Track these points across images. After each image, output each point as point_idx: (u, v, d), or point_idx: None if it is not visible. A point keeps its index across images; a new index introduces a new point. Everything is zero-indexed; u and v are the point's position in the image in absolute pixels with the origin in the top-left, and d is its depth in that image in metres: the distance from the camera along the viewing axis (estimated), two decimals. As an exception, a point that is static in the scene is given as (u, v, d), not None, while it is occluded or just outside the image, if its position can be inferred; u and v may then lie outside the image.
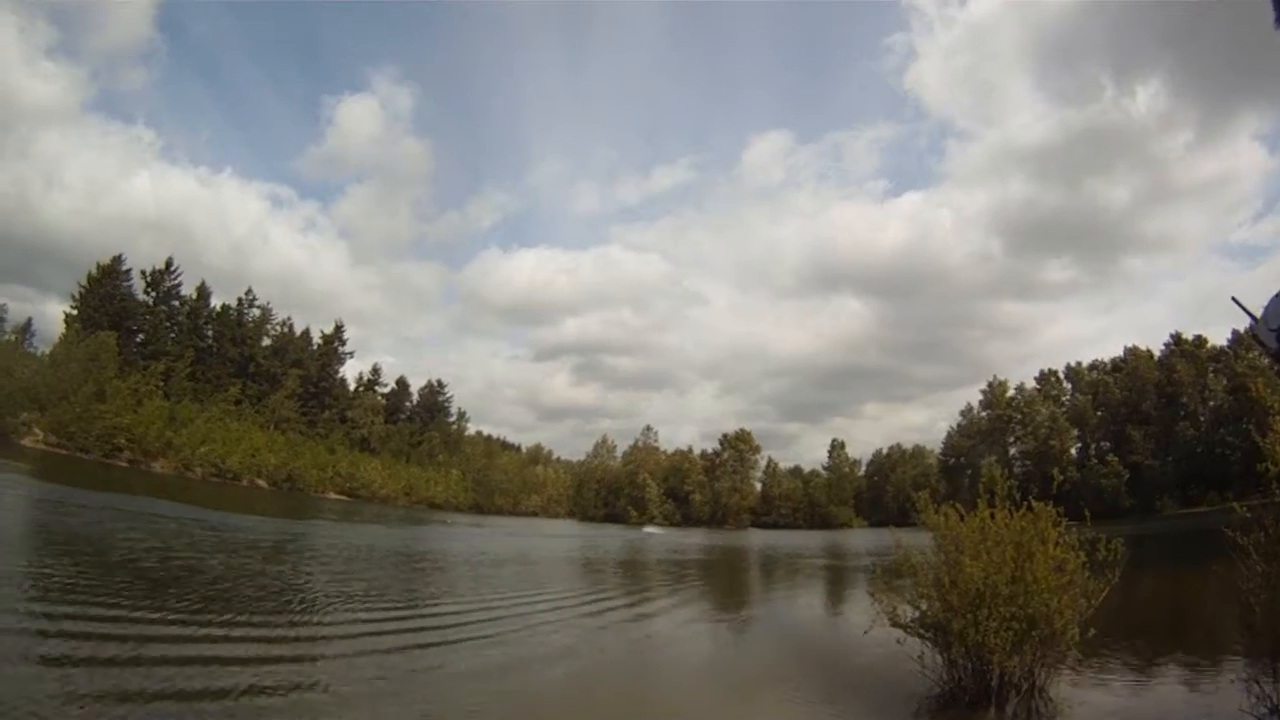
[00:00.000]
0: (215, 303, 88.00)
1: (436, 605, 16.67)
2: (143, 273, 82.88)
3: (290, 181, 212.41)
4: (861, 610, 15.04)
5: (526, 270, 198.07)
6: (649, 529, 70.22)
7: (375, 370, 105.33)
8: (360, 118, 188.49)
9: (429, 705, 8.65)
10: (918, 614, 10.10)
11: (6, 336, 74.56)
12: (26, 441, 65.14)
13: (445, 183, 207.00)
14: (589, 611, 17.45)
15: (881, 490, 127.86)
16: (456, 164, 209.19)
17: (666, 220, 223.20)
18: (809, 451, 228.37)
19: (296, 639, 11.43)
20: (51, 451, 63.95)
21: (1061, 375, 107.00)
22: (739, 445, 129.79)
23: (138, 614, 11.42)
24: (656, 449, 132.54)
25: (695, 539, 70.43)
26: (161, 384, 77.03)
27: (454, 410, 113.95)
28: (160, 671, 8.52)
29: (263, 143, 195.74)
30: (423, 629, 13.44)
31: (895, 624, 10.21)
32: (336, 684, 9.03)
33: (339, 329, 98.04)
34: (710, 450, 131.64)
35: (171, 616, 11.54)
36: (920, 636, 10.04)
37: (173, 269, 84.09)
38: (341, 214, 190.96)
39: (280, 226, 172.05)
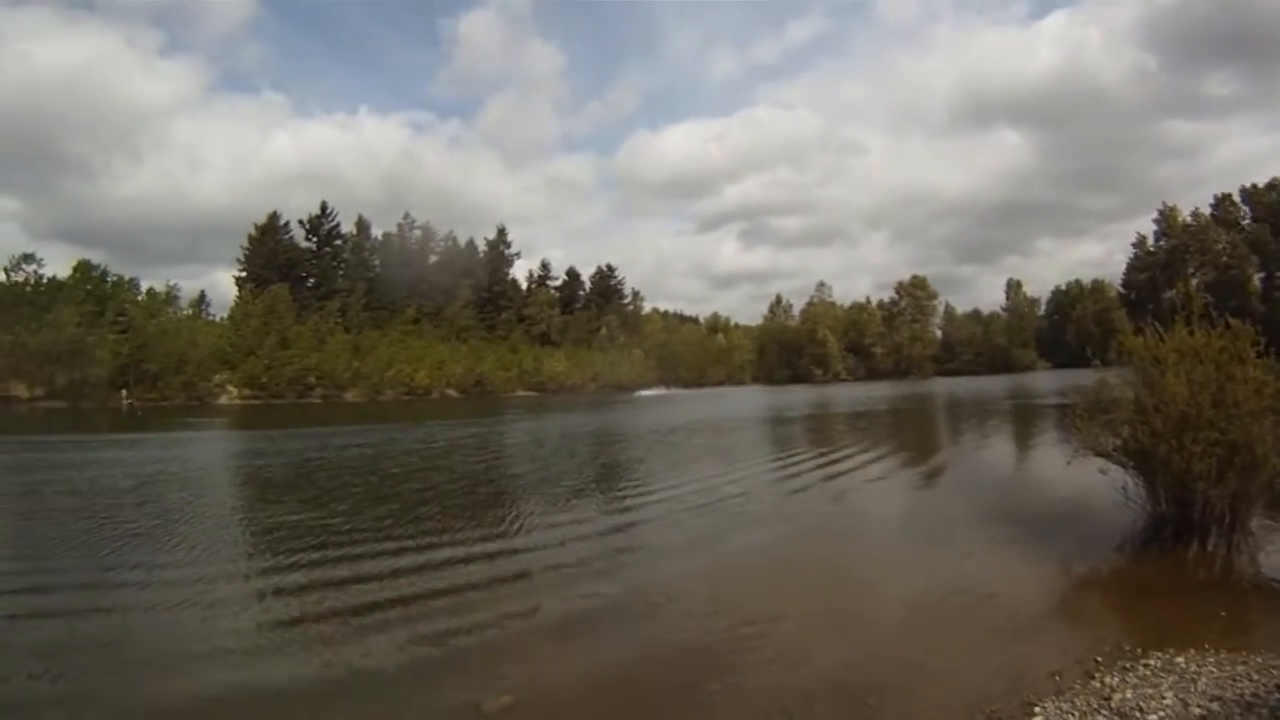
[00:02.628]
0: (377, 233, 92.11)
1: (631, 484, 16.94)
2: (300, 222, 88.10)
3: (427, 107, 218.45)
4: (1056, 449, 16.52)
5: (677, 145, 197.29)
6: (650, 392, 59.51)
7: (544, 266, 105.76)
8: (482, 31, 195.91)
9: (633, 582, 8.95)
10: (1119, 442, 9.90)
11: (184, 311, 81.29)
12: (223, 400, 72.14)
13: (580, 75, 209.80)
14: (778, 476, 17.46)
15: (1062, 329, 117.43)
16: (588, 54, 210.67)
17: (809, 74, 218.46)
18: (986, 294, 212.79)
19: (506, 533, 11.85)
20: (247, 404, 70.02)
21: (1237, 198, 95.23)
22: (915, 292, 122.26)
23: (362, 531, 11.93)
24: (833, 304, 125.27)
25: (881, 391, 66.78)
26: (340, 320, 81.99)
27: (628, 292, 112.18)
28: (393, 583, 8.97)
29: (391, 77, 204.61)
30: (621, 509, 13.86)
31: (1098, 452, 10.15)
32: (547, 569, 9.49)
33: (502, 233, 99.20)
34: (887, 300, 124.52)
35: (395, 530, 11.96)
36: (1123, 465, 9.95)
37: (328, 212, 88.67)
38: (484, 126, 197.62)
39: (427, 150, 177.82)
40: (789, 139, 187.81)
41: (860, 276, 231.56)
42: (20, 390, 67.96)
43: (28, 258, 74.45)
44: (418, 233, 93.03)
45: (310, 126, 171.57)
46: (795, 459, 20.36)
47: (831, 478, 16.69)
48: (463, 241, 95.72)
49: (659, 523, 12.27)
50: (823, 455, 20.79)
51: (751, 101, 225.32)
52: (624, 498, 15.08)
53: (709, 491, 15.09)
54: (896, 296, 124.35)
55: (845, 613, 8.01)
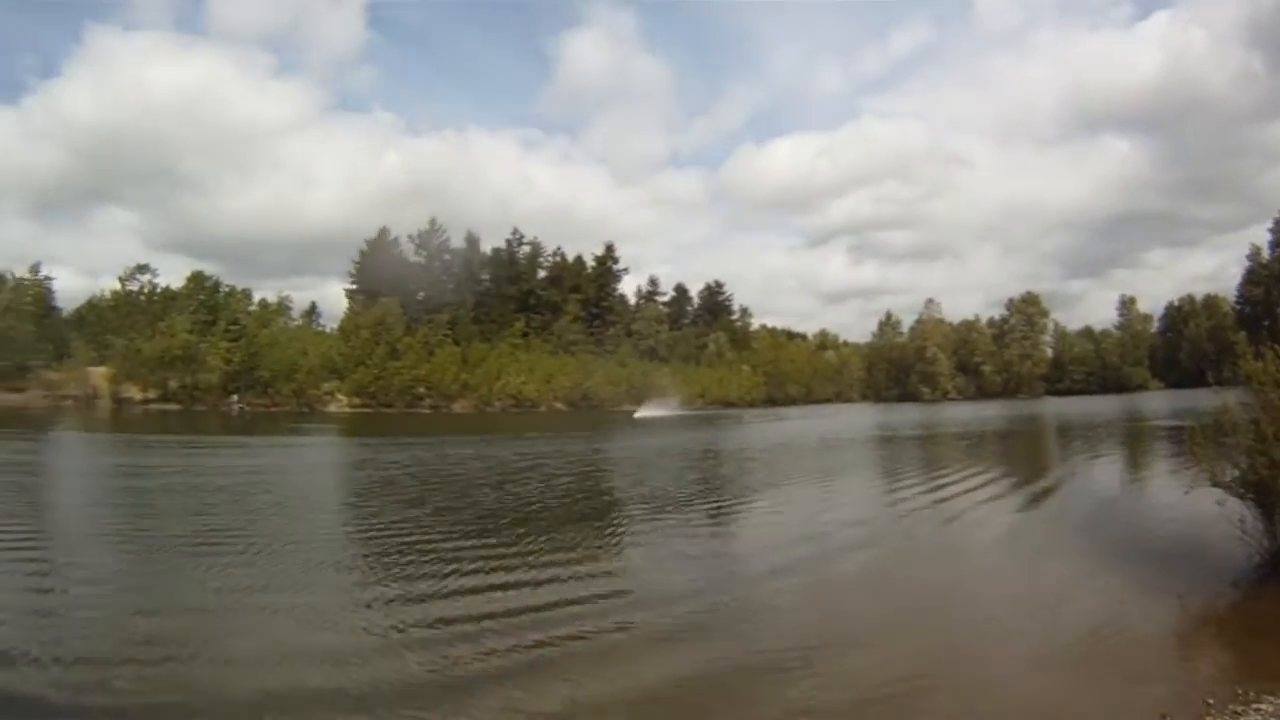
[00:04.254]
0: (486, 248, 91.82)
1: (736, 501, 17.14)
2: (410, 237, 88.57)
3: (535, 124, 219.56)
4: (1172, 476, 17.00)
5: (783, 159, 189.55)
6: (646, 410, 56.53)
7: (653, 281, 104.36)
8: (587, 49, 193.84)
9: (738, 601, 8.98)
10: (1237, 473, 9.62)
11: (295, 321, 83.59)
12: (332, 408, 72.05)
13: (687, 91, 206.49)
14: (885, 496, 17.72)
15: (1176, 347, 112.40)
16: (693, 70, 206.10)
17: (913, 84, 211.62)
18: (1094, 311, 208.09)
19: (608, 546, 12.25)
20: (356, 412, 69.84)
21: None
22: (1027, 309, 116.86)
23: (467, 539, 12.44)
24: (942, 321, 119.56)
25: (991, 411, 65.82)
26: (449, 332, 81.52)
27: (736, 308, 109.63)
28: (493, 591, 9.29)
29: (498, 96, 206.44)
30: (724, 526, 14.35)
31: (1216, 483, 9.80)
32: (649, 593, 9.29)
33: (610, 249, 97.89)
34: (997, 317, 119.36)
35: (498, 539, 12.38)
36: (1240, 497, 9.63)
37: (437, 227, 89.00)
38: (592, 142, 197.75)
39: (535, 166, 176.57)
40: (895, 152, 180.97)
41: (969, 293, 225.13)
42: (134, 393, 69.27)
43: (142, 268, 77.08)
44: (527, 248, 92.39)
45: (420, 144, 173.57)
46: (902, 480, 20.83)
47: (940, 501, 16.40)
48: (571, 257, 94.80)
49: (763, 541, 12.58)
50: (931, 477, 20.87)
51: (857, 114, 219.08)
52: (728, 515, 15.43)
53: (813, 511, 15.53)
54: (1007, 313, 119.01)
55: (948, 643, 7.70)
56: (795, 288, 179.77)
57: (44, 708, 6.09)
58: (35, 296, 73.28)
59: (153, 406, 66.54)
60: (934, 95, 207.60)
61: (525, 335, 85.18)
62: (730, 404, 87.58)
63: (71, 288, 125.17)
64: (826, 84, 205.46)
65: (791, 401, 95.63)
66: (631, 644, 7.54)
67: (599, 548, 12.12)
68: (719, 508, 16.26)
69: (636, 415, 50.77)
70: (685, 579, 9.90)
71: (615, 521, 14.73)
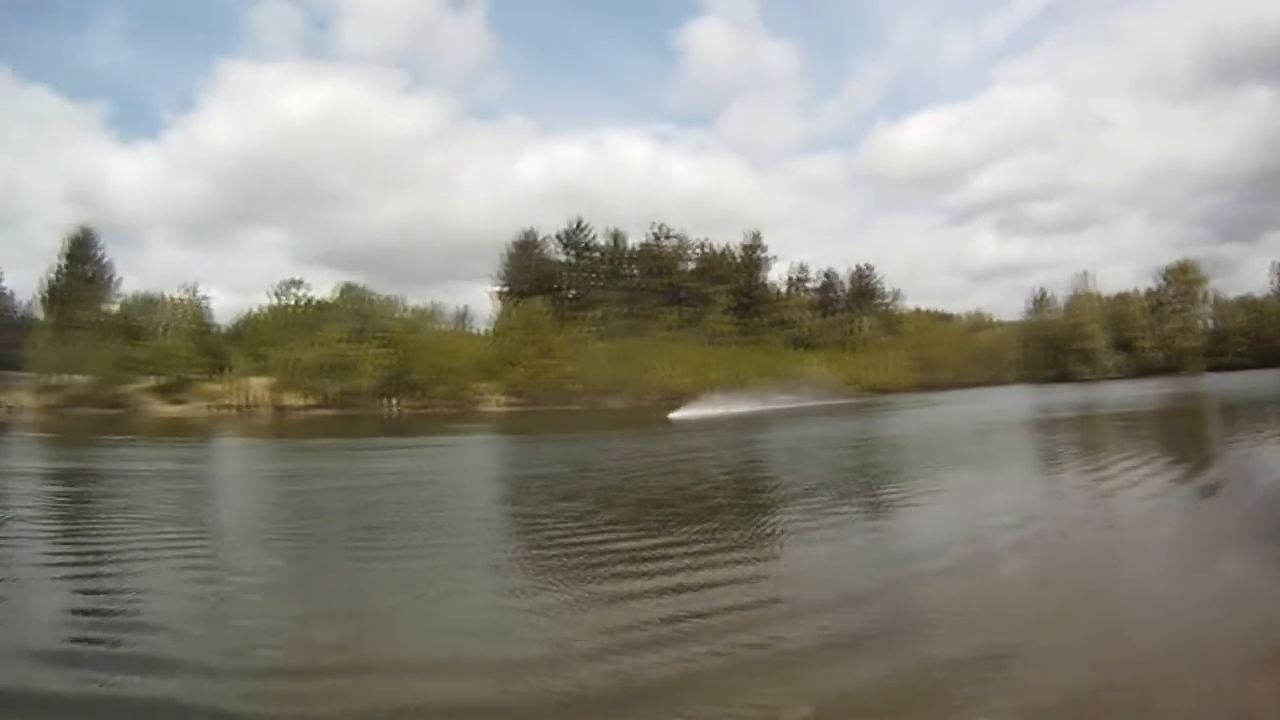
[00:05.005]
0: (632, 243, 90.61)
1: (893, 495, 16.51)
2: (556, 237, 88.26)
3: (667, 118, 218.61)
4: None
5: (919, 135, 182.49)
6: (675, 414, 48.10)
7: (801, 268, 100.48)
8: (711, 39, 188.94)
9: (896, 605, 8.58)
10: None
11: (446, 325, 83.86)
12: (489, 407, 71.57)
13: (816, 73, 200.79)
14: (1049, 488, 16.95)
15: None
16: (820, 51, 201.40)
17: (1042, 46, 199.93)
18: (1250, 278, 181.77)
19: (768, 547, 11.82)
20: (510, 411, 69.05)
21: None
22: (1183, 278, 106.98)
23: (633, 537, 12.31)
24: (1096, 295, 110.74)
25: (1152, 389, 62.47)
26: (599, 329, 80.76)
27: (886, 291, 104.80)
28: (662, 594, 8.99)
29: (629, 92, 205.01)
30: (882, 523, 13.76)
31: None
32: (805, 598, 8.85)
33: (756, 238, 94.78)
34: (1151, 288, 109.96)
35: (660, 538, 12.12)
36: None
37: (582, 226, 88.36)
38: (727, 132, 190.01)
39: (672, 159, 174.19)
40: (1032, 119, 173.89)
41: (1120, 262, 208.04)
42: (293, 400, 70.56)
43: (295, 283, 78.99)
44: (672, 241, 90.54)
45: (556, 146, 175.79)
46: (1065, 468, 19.98)
47: (1106, 491, 15.33)
48: (718, 248, 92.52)
49: (921, 539, 12.00)
50: (1095, 464, 19.49)
51: (988, 83, 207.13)
52: (885, 510, 14.93)
53: (974, 504, 14.83)
54: (1164, 283, 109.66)
55: (1129, 651, 7.00)
56: (942, 267, 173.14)
57: (208, 714, 6.13)
58: (193, 315, 75.23)
59: (312, 412, 67.55)
60: (1065, 56, 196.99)
61: (676, 328, 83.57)
62: (883, 390, 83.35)
63: (227, 305, 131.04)
64: (954, 54, 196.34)
65: (945, 386, 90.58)
66: (788, 653, 7.16)
67: (754, 547, 11.81)
68: (875, 502, 15.70)
69: (672, 416, 43.60)
70: (842, 582, 9.53)
71: (770, 518, 14.28)
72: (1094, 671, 6.49)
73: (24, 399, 68.31)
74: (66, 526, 14.80)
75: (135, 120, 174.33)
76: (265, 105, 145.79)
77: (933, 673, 6.58)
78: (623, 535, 12.33)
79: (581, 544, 11.66)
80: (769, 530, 13.15)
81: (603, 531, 12.57)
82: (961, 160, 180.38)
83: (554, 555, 11.18)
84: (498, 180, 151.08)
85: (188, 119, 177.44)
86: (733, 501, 16.34)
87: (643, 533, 12.53)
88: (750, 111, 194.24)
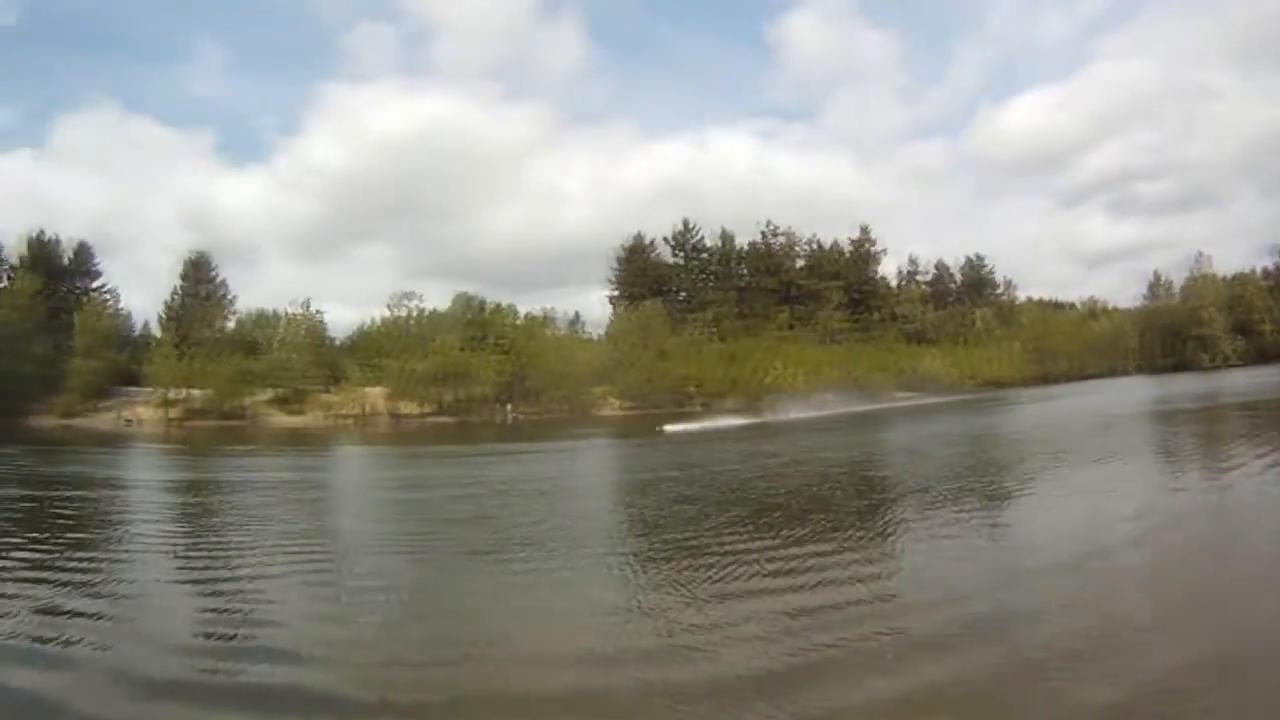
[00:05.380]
0: (741, 242, 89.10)
1: (1007, 492, 16.67)
2: (665, 240, 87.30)
3: (770, 113, 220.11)
4: None
5: (1022, 117, 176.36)
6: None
7: (912, 261, 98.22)
8: (808, 32, 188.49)
9: (1009, 602, 8.60)
10: None
11: (560, 331, 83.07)
12: (605, 411, 71.56)
13: (915, 59, 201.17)
14: (1169, 484, 16.53)
15: None
16: (918, 37, 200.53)
17: (1140, 18, 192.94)
18: None
19: (878, 544, 11.97)
20: (627, 415, 69.32)
21: None
22: None
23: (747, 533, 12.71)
24: (1211, 277, 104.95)
25: (1272, 377, 57.84)
26: (713, 330, 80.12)
27: (1000, 281, 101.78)
28: (774, 586, 9.40)
29: (729, 89, 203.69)
30: (999, 522, 13.64)
31: None
32: (918, 595, 9.01)
33: (865, 231, 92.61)
34: (1269, 267, 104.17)
35: (774, 535, 12.41)
36: None
37: (690, 227, 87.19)
38: (830, 124, 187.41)
39: (777, 155, 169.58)
40: (1133, 94, 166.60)
41: (1235, 241, 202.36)
42: (410, 408, 70.94)
43: (408, 295, 79.23)
44: (781, 239, 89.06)
45: (659, 147, 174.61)
46: (1185, 463, 19.56)
47: (1227, 486, 15.25)
48: (827, 243, 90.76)
49: (1035, 535, 12.08)
50: (1217, 458, 19.38)
51: (1088, 59, 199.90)
52: (999, 507, 14.86)
53: (1090, 500, 14.53)
54: None
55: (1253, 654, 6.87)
56: (1053, 253, 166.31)
57: (332, 705, 6.52)
58: (309, 329, 75.78)
59: (429, 420, 68.16)
60: (1163, 26, 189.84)
61: (790, 327, 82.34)
62: (1000, 384, 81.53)
63: (341, 318, 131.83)
64: (1052, 31, 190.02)
65: (1062, 378, 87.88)
66: (901, 649, 7.19)
67: (867, 545, 11.96)
68: (992, 499, 15.72)
69: (667, 429, 40.15)
70: (954, 578, 9.62)
71: (883, 516, 14.28)
72: (1202, 672, 6.40)
73: (144, 412, 69.31)
74: (197, 533, 15.72)
75: (242, 146, 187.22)
76: (367, 124, 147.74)
77: (1040, 665, 6.68)
78: (740, 535, 12.62)
79: (698, 545, 12.01)
80: (886, 529, 13.20)
81: (721, 533, 12.89)
82: (1067, 141, 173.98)
83: (670, 555, 11.46)
84: (602, 185, 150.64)
85: (292, 142, 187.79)
86: (849, 501, 16.57)
87: (759, 533, 12.72)
88: (852, 102, 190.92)
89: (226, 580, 10.95)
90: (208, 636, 8.50)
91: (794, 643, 7.39)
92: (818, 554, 11.00)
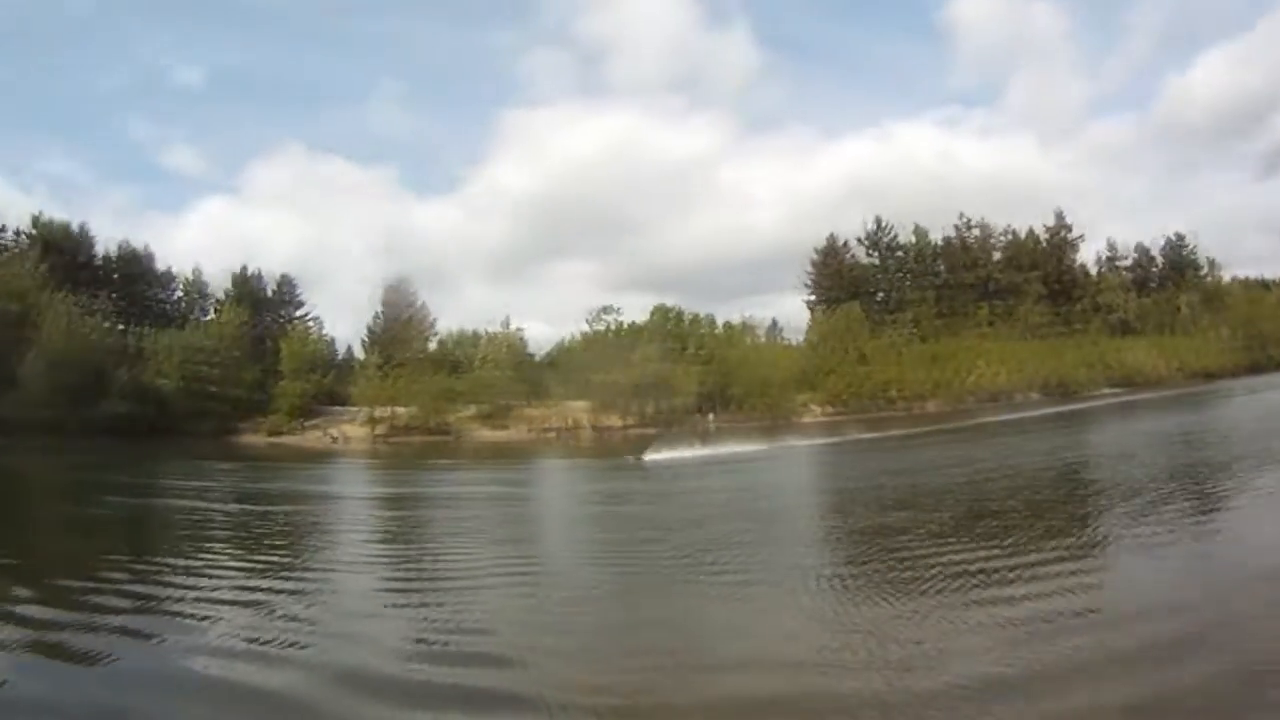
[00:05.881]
0: (935, 238, 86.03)
1: (1223, 495, 15.84)
2: (859, 240, 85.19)
3: (948, 101, 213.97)
4: None
5: (1205, 78, 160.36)
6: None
7: (1111, 246, 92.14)
8: (976, 13, 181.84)
9: (1244, 610, 8.31)
10: None
11: (760, 338, 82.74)
12: (806, 419, 70.41)
13: (1088, 31, 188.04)
14: None
15: None
16: (1086, 7, 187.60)
17: None
18: None
19: (1083, 552, 11.72)
20: (831, 421, 67.96)
21: None
22: None
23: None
24: None
25: None
26: (914, 330, 78.98)
27: (1202, 261, 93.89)
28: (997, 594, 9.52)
29: (905, 82, 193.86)
30: (1211, 527, 13.04)
31: None
32: (1131, 599, 9.06)
33: (1060, 217, 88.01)
34: None
35: (977, 543, 12.40)
36: None
37: (883, 225, 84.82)
38: (1011, 107, 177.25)
39: (960, 144, 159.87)
40: None
41: None
42: (614, 420, 71.48)
43: (607, 309, 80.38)
44: (975, 231, 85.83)
45: (841, 147, 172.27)
46: None
47: None
48: (1022, 233, 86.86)
49: (1250, 542, 11.65)
50: None
51: (1266, 7, 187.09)
52: (1215, 512, 14.19)
53: None
54: None
55: None
56: (1254, 226, 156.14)
57: (540, 709, 6.86)
58: (510, 346, 77.21)
59: (631, 432, 67.73)
60: None
61: (991, 323, 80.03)
62: (1210, 375, 77.02)
63: (540, 335, 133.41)
64: None
65: (1275, 366, 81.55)
66: (1122, 658, 7.11)
67: (1079, 553, 11.68)
68: (1204, 505, 15.08)
69: (646, 458, 36.60)
70: (1173, 586, 9.42)
71: (1095, 523, 14.18)
72: None
73: (350, 430, 71.36)
74: (408, 543, 17.01)
75: (429, 176, 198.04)
76: (551, 146, 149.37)
77: (1264, 677, 6.41)
78: (946, 543, 12.59)
79: (907, 555, 11.86)
80: (1098, 535, 13.02)
81: (926, 541, 12.86)
82: (1255, 100, 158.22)
83: (875, 562, 11.54)
84: (789, 189, 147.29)
85: (479, 170, 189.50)
86: (1059, 507, 16.35)
87: (968, 542, 12.67)
88: (1030, 82, 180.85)
89: (437, 589, 11.86)
90: (422, 641, 9.20)
91: (1009, 653, 7.37)
92: (1029, 563, 11.05)
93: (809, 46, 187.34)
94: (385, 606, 10.91)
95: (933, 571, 10.69)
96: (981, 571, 10.58)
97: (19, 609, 10.89)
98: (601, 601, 10.55)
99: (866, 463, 27.79)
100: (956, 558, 11.48)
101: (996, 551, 11.85)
